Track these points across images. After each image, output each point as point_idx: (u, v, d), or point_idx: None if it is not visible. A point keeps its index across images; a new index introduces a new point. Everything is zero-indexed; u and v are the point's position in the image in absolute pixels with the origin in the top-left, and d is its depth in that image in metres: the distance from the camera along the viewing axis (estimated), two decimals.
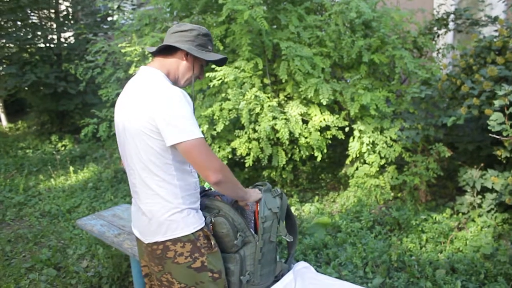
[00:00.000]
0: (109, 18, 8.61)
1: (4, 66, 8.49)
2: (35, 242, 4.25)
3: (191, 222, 1.91)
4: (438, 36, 5.16)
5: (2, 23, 8.60)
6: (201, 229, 1.94)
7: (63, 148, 7.96)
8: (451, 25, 5.14)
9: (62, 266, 3.75)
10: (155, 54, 2.01)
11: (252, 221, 2.13)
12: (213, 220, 2.01)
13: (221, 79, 4.14)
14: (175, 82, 2.02)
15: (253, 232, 2.09)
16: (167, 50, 1.99)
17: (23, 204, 5.25)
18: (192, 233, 1.91)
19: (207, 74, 4.16)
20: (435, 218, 4.05)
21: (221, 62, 2.09)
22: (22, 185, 5.78)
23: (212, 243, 1.95)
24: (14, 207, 5.13)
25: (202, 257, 1.92)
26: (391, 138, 4.31)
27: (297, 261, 2.37)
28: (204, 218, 1.99)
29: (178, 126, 1.74)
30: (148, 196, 1.91)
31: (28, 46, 8.45)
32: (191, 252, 1.91)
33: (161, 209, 1.90)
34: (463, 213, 4.08)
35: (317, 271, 2.34)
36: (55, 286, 3.49)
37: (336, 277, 2.44)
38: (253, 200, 2.07)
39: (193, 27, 1.98)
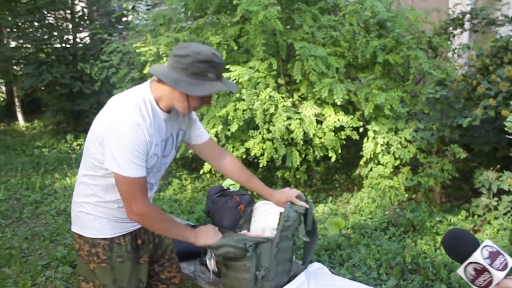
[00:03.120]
0: (124, 19, 8.68)
1: (21, 66, 8.61)
2: (51, 240, 4.30)
3: (95, 228, 1.93)
4: (454, 36, 5.11)
5: (20, 24, 8.73)
6: (104, 239, 1.93)
7: (78, 147, 8.04)
8: (467, 25, 5.08)
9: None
10: None
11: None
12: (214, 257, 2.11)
13: (235, 79, 4.15)
14: (170, 108, 1.89)
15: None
16: None
17: (39, 202, 5.31)
18: (91, 238, 1.94)
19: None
20: (450, 220, 4.01)
21: (232, 87, 1.91)
22: (39, 183, 5.85)
23: (103, 258, 1.94)
24: (30, 205, 5.20)
25: (94, 263, 1.95)
26: (405, 139, 4.28)
27: (311, 262, 2.36)
28: (116, 230, 1.96)
29: (112, 157, 1.72)
30: (81, 190, 1.96)
31: (44, 47, 8.56)
32: (88, 253, 1.96)
33: (75, 202, 1.98)
34: (479, 215, 4.04)
35: (331, 272, 2.34)
36: (71, 283, 3.53)
37: (350, 279, 2.43)
38: (201, 244, 2.00)
39: (190, 52, 1.75)
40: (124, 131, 1.70)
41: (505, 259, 1.23)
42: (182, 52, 1.77)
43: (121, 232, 1.96)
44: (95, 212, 1.91)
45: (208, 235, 2.00)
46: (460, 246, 1.29)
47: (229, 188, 2.55)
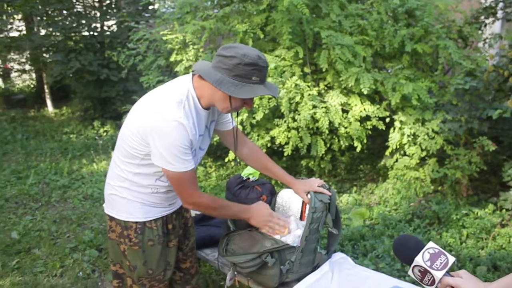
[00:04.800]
0: (151, 7, 8.71)
1: (51, 53, 8.76)
2: (78, 223, 4.40)
3: (128, 211, 1.98)
4: (485, 25, 4.98)
5: (50, 12, 8.87)
6: (136, 222, 1.97)
7: (105, 133, 8.17)
8: (500, 13, 4.95)
9: (104, 247, 3.87)
10: None
11: (299, 211, 2.18)
12: (236, 275, 2.14)
13: None
14: (210, 106, 1.91)
15: (299, 219, 2.15)
16: None
17: (67, 187, 5.43)
18: (123, 220, 1.98)
19: None
20: (477, 214, 3.94)
21: (273, 92, 1.85)
22: (66, 168, 5.98)
23: (135, 241, 1.98)
24: (59, 189, 5.32)
25: (125, 245, 2.01)
26: (433, 130, 4.21)
27: (335, 252, 2.36)
28: (148, 214, 1.99)
29: (160, 154, 1.77)
30: (116, 173, 1.99)
31: (73, 35, 8.67)
32: (120, 235, 2.01)
33: (109, 184, 2.05)
34: (507, 210, 3.96)
35: (354, 263, 2.33)
36: (97, 266, 3.62)
37: (373, 269, 2.41)
38: (255, 223, 2.11)
39: (236, 53, 1.73)
40: (170, 132, 1.73)
41: (446, 258, 1.35)
42: (227, 53, 1.75)
43: (153, 216, 2.00)
44: (129, 196, 1.95)
45: (259, 218, 2.10)
46: (406, 251, 1.44)
47: (248, 178, 2.53)
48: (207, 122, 1.97)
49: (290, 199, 2.27)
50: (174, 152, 1.75)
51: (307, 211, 2.08)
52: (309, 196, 2.10)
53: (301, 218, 2.17)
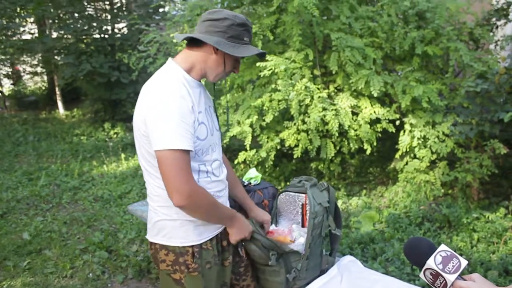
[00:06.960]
0: (161, 9, 8.78)
1: (62, 56, 8.86)
2: (88, 225, 4.43)
3: (181, 236, 1.79)
4: (497, 27, 4.94)
5: (61, 15, 8.96)
6: (192, 246, 1.80)
7: (115, 135, 8.23)
8: None
9: (114, 249, 3.90)
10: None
11: (300, 214, 2.15)
12: (242, 245, 2.02)
13: (271, 69, 4.14)
14: (202, 77, 1.82)
15: (301, 226, 2.11)
16: (194, 41, 1.76)
17: (78, 189, 5.47)
18: (178, 247, 1.80)
19: (257, 64, 4.17)
20: (488, 217, 3.91)
21: (261, 55, 1.83)
22: (77, 170, 6.03)
23: (194, 266, 1.80)
24: (69, 191, 5.36)
25: (181, 273, 1.81)
26: (443, 133, 4.18)
27: (344, 255, 2.35)
28: (203, 235, 1.83)
29: (157, 132, 1.62)
30: (149, 193, 1.86)
31: (84, 37, 8.78)
32: (173, 263, 1.82)
33: (153, 208, 1.85)
34: None
35: (363, 266, 2.32)
36: (107, 267, 3.63)
37: (383, 273, 2.41)
38: (237, 235, 1.91)
39: (227, 15, 1.72)
40: (166, 102, 1.62)
41: (458, 262, 1.33)
42: (218, 16, 1.72)
43: (208, 236, 1.85)
44: (180, 216, 1.78)
45: (241, 231, 1.92)
46: (417, 253, 1.40)
47: (250, 183, 2.49)
48: (205, 104, 1.85)
49: (290, 204, 2.24)
50: (172, 126, 1.60)
51: (308, 215, 2.06)
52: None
53: (302, 225, 2.15)
